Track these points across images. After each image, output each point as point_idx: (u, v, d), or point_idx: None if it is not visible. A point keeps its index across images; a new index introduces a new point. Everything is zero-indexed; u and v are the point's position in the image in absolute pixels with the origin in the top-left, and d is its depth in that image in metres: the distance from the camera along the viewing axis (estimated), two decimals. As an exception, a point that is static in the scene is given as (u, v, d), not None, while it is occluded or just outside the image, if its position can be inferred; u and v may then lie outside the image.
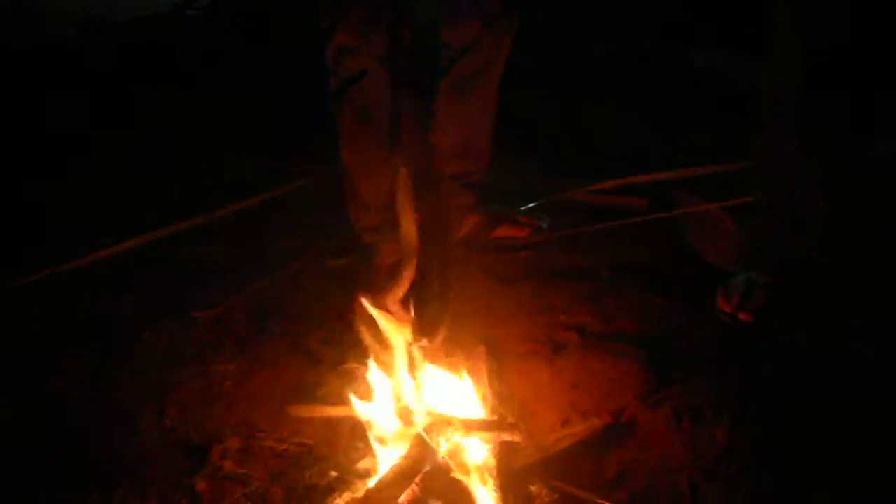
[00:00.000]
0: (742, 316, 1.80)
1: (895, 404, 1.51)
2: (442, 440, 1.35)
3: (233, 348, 1.84)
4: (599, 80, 3.34)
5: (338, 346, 1.78)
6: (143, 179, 2.73)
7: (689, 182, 2.41)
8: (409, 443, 1.37)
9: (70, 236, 2.35)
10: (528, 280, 2.05)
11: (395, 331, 1.41)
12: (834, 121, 1.72)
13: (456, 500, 1.32)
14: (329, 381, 1.67)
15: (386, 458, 1.39)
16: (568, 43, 3.59)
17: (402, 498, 1.32)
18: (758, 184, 1.94)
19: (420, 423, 1.38)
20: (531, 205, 2.36)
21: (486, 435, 1.38)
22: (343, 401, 1.55)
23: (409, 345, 1.44)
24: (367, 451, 1.45)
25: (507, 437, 1.39)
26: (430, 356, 1.46)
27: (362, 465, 1.43)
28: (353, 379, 1.62)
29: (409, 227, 1.45)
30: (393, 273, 1.85)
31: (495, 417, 1.46)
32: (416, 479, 1.34)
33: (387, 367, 1.46)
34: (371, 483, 1.36)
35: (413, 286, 1.45)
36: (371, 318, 1.42)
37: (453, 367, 1.47)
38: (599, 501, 1.36)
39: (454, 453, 1.35)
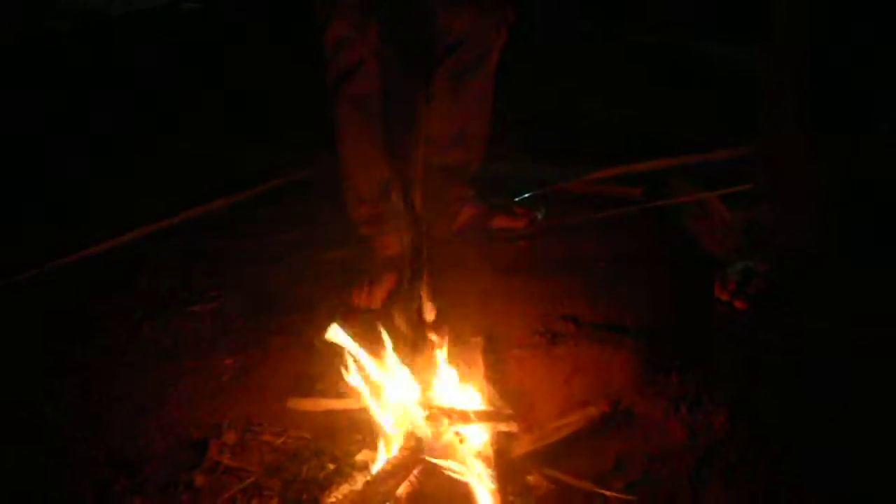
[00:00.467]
0: (739, 304, 1.79)
1: (892, 391, 1.51)
2: (439, 431, 1.36)
3: (231, 342, 1.84)
4: (595, 68, 3.33)
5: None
6: (140, 174, 2.73)
7: (686, 170, 2.40)
8: (407, 434, 1.37)
9: (68, 231, 2.35)
10: (524, 270, 2.05)
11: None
12: (834, 105, 1.71)
13: (453, 491, 1.32)
14: (327, 374, 1.67)
15: (383, 450, 1.39)
16: (563, 31, 3.58)
17: (400, 490, 1.33)
18: (756, 171, 1.94)
19: (418, 414, 1.38)
20: (527, 195, 2.36)
21: (484, 425, 1.38)
22: (341, 394, 1.56)
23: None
24: (365, 443, 1.46)
25: (504, 427, 1.39)
26: (429, 348, 1.47)
27: (360, 457, 1.44)
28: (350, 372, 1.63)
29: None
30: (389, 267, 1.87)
31: (493, 408, 1.46)
32: (414, 471, 1.34)
33: (385, 359, 1.47)
34: (369, 475, 1.36)
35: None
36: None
37: (451, 359, 1.47)
38: (597, 490, 1.36)
39: (452, 444, 1.35)
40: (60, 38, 4.26)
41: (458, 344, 1.53)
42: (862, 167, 1.74)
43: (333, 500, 1.36)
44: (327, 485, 1.39)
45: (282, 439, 1.52)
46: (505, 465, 1.35)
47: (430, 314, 1.48)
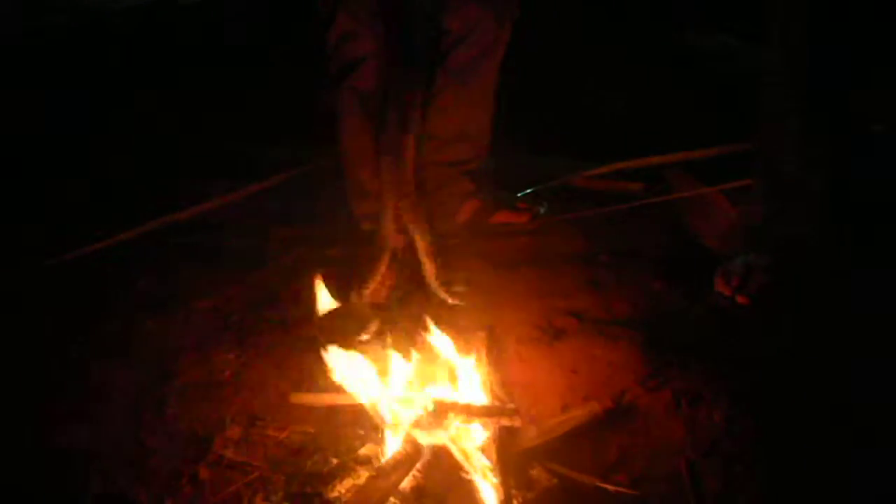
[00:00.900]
0: (740, 299, 1.80)
1: (890, 385, 1.51)
2: (443, 426, 1.36)
3: (233, 338, 1.84)
4: (597, 64, 3.32)
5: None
6: (141, 170, 2.72)
7: (687, 165, 2.41)
8: (410, 429, 1.38)
9: (68, 228, 2.34)
10: (526, 266, 2.06)
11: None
12: (828, 102, 1.71)
13: (456, 485, 1.33)
14: (329, 369, 1.67)
15: (387, 444, 1.39)
16: (565, 28, 3.57)
17: (403, 484, 1.33)
18: (756, 167, 1.94)
19: (421, 409, 1.38)
20: (529, 190, 2.36)
21: (487, 420, 1.39)
22: (343, 389, 1.56)
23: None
24: (368, 438, 1.46)
25: (507, 422, 1.39)
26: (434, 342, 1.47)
27: (363, 452, 1.44)
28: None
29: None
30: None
31: (496, 403, 1.46)
32: (417, 466, 1.35)
33: (390, 354, 1.47)
34: (372, 470, 1.37)
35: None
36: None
37: (454, 353, 1.48)
38: (600, 484, 1.37)
39: (455, 439, 1.36)
40: (59, 33, 4.25)
41: (460, 339, 1.54)
42: (857, 166, 1.75)
43: (337, 494, 1.36)
44: (331, 479, 1.39)
45: (285, 434, 1.52)
46: (508, 460, 1.36)
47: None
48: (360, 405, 1.50)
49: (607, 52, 3.40)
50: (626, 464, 1.42)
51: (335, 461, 1.44)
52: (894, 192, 1.80)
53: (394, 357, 1.45)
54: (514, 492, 1.32)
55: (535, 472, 1.38)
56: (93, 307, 1.99)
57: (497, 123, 2.14)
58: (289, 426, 1.54)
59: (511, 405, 1.47)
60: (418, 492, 1.34)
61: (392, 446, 1.39)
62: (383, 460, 1.37)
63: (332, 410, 1.55)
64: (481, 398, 1.45)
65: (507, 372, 1.63)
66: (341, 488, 1.37)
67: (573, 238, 2.18)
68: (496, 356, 1.63)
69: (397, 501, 1.33)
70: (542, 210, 2.26)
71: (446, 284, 1.61)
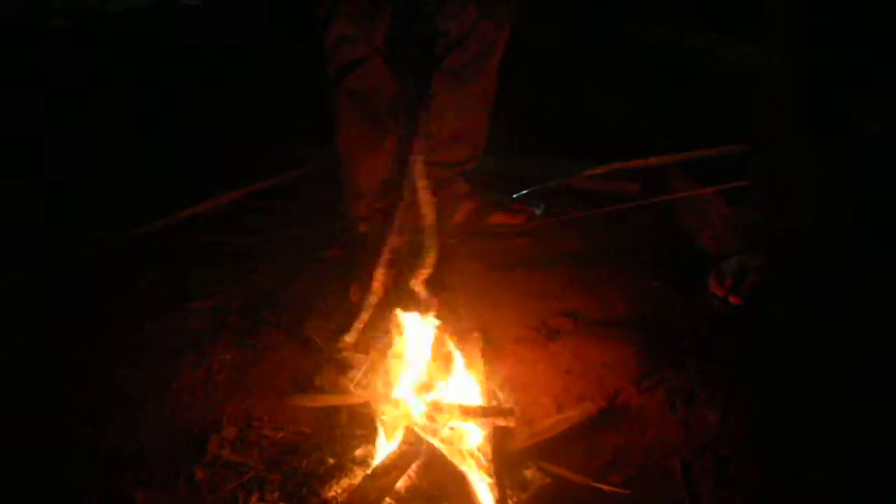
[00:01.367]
0: (734, 299, 1.81)
1: (885, 385, 1.52)
2: (438, 426, 1.37)
3: (230, 338, 1.85)
4: (592, 64, 3.33)
5: (334, 335, 1.79)
6: (141, 171, 2.73)
7: (682, 166, 2.41)
8: (405, 429, 1.39)
9: (70, 230, 2.35)
10: (522, 266, 2.07)
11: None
12: (826, 103, 1.72)
13: (451, 485, 1.34)
14: (326, 369, 1.68)
15: (382, 444, 1.40)
16: (561, 28, 3.58)
17: (399, 484, 1.34)
18: (752, 167, 1.95)
19: (416, 409, 1.39)
20: (525, 191, 2.37)
21: (482, 420, 1.40)
22: (340, 389, 1.57)
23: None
24: (364, 438, 1.47)
25: (502, 422, 1.40)
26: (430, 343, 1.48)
27: (359, 452, 1.45)
28: (349, 368, 1.65)
29: (429, 211, 1.45)
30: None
31: (490, 403, 1.47)
32: (413, 466, 1.36)
33: (384, 355, 1.48)
34: (368, 470, 1.38)
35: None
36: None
37: (449, 354, 1.49)
38: (594, 484, 1.37)
39: (450, 439, 1.37)
40: (56, 35, 4.25)
41: (455, 339, 1.54)
42: (853, 166, 1.76)
43: (333, 493, 1.37)
44: (327, 479, 1.40)
45: (281, 434, 1.53)
46: (503, 459, 1.37)
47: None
48: (357, 406, 1.51)
49: (603, 53, 3.41)
50: (621, 464, 1.43)
51: (331, 461, 1.45)
52: (891, 192, 1.81)
53: (390, 358, 1.46)
54: (508, 491, 1.33)
55: (530, 472, 1.39)
56: (93, 308, 1.99)
57: (494, 124, 2.15)
58: (285, 426, 1.55)
59: (506, 405, 1.48)
60: (414, 492, 1.35)
61: (388, 446, 1.40)
62: (379, 460, 1.38)
63: (328, 411, 1.56)
64: (477, 398, 1.46)
65: (503, 372, 1.64)
66: (337, 488, 1.38)
67: (569, 239, 2.19)
68: (491, 357, 1.64)
69: (393, 501, 1.34)
70: (538, 211, 2.26)
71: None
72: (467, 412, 1.40)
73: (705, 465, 1.40)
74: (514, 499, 1.34)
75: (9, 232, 2.36)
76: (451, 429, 1.39)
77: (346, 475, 1.41)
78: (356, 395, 1.53)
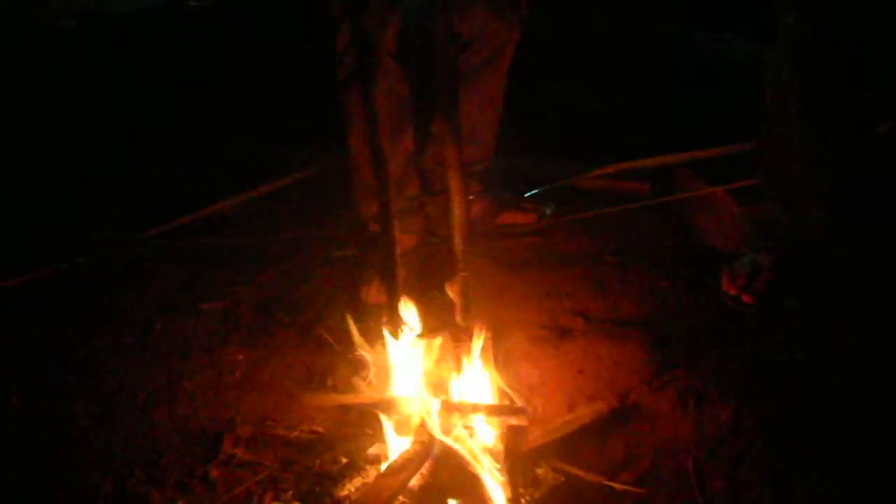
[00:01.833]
0: (746, 298, 1.80)
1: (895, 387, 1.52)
2: (450, 424, 1.37)
3: (242, 338, 1.86)
4: (602, 63, 3.33)
5: (346, 335, 1.79)
6: (149, 174, 2.75)
7: (693, 165, 2.41)
8: (418, 428, 1.39)
9: (82, 231, 2.37)
10: (533, 265, 2.07)
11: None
12: (835, 102, 1.71)
13: (464, 484, 1.34)
14: (338, 368, 1.69)
15: (395, 443, 1.41)
16: (570, 27, 3.58)
17: (412, 483, 1.35)
18: (761, 166, 1.95)
19: (428, 407, 1.40)
20: (535, 191, 2.37)
21: (494, 419, 1.40)
22: (352, 388, 1.57)
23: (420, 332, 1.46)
24: (377, 437, 1.48)
25: (514, 421, 1.40)
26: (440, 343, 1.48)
27: (372, 451, 1.46)
28: (362, 366, 1.65)
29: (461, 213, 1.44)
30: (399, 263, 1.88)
31: (503, 402, 1.47)
32: (425, 464, 1.36)
33: (397, 353, 1.48)
34: (381, 469, 1.38)
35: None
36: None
37: (461, 353, 1.49)
38: (606, 483, 1.38)
39: (462, 437, 1.37)
40: (62, 36, 4.27)
41: (467, 338, 1.55)
42: (862, 164, 1.75)
43: (346, 493, 1.38)
44: (340, 478, 1.41)
45: (295, 433, 1.54)
46: (515, 458, 1.37)
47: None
48: (369, 405, 1.52)
49: (611, 52, 3.41)
50: (633, 462, 1.43)
51: (344, 460, 1.46)
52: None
53: (402, 356, 1.46)
54: (521, 490, 1.33)
55: (542, 471, 1.40)
56: (106, 308, 2.01)
57: (504, 124, 2.16)
58: (298, 426, 1.56)
59: (518, 404, 1.48)
60: (427, 490, 1.35)
61: (401, 445, 1.40)
62: (392, 459, 1.38)
63: (341, 410, 1.57)
64: (489, 397, 1.47)
65: (514, 371, 1.64)
66: (350, 487, 1.39)
67: (579, 238, 2.19)
68: (503, 355, 1.65)
69: (406, 500, 1.34)
70: (548, 210, 2.26)
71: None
72: (479, 411, 1.40)
73: (718, 464, 1.40)
74: (527, 497, 1.35)
75: (15, 234, 2.39)
76: (464, 427, 1.39)
77: (360, 474, 1.42)
78: (369, 395, 1.53)
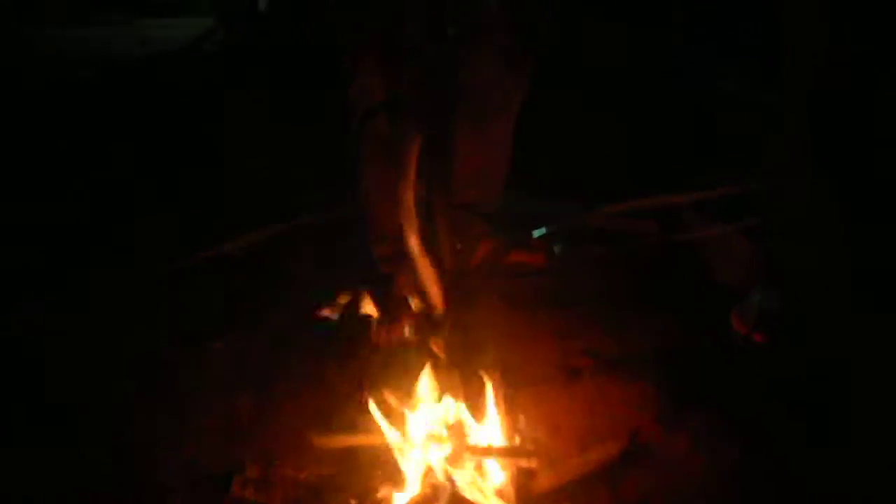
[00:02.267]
0: (757, 337, 1.80)
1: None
2: (460, 466, 1.36)
3: (250, 379, 1.86)
4: (608, 104, 3.37)
5: (354, 376, 1.79)
6: (159, 216, 2.78)
7: (701, 204, 2.42)
8: (428, 470, 1.38)
9: (96, 268, 2.39)
10: (542, 305, 2.07)
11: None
12: (838, 144, 1.73)
13: (475, 527, 1.33)
14: (346, 410, 1.68)
15: (405, 486, 1.40)
16: (576, 67, 3.63)
17: (422, 525, 1.33)
18: (768, 205, 1.96)
19: (439, 449, 1.39)
20: (543, 230, 2.38)
21: (504, 460, 1.39)
22: (361, 430, 1.57)
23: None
24: (386, 479, 1.46)
25: (524, 462, 1.39)
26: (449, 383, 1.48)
27: (381, 494, 1.44)
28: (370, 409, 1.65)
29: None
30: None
31: (513, 443, 1.46)
32: (435, 507, 1.35)
33: (406, 395, 1.48)
34: (390, 511, 1.37)
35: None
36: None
37: (471, 394, 1.48)
38: (618, 526, 1.36)
39: (473, 479, 1.36)
40: (89, 84, 4.38)
41: (476, 379, 1.54)
42: (867, 204, 1.76)
43: (355, 535, 1.36)
44: (349, 520, 1.40)
45: (304, 475, 1.52)
46: (526, 501, 1.35)
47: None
48: (378, 447, 1.51)
49: (617, 92, 3.45)
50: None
51: (353, 502, 1.44)
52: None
53: (413, 398, 1.46)
54: (532, 533, 1.32)
55: (554, 513, 1.38)
56: (114, 346, 2.02)
57: (511, 165, 2.18)
58: (307, 467, 1.54)
59: (528, 446, 1.47)
60: (436, 533, 1.34)
61: (410, 488, 1.39)
62: (402, 502, 1.37)
63: (350, 451, 1.56)
64: (499, 439, 1.46)
65: (524, 412, 1.63)
66: (360, 529, 1.37)
67: (588, 277, 2.20)
68: (513, 396, 1.64)
69: (416, 543, 1.33)
70: (556, 250, 2.27)
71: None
72: (490, 452, 1.39)
73: (731, 505, 1.39)
74: (538, 541, 1.33)
75: (32, 268, 2.41)
76: (474, 469, 1.38)
77: (369, 516, 1.40)
78: (378, 436, 1.52)
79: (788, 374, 1.70)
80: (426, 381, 1.48)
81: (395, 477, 1.44)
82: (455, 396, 1.48)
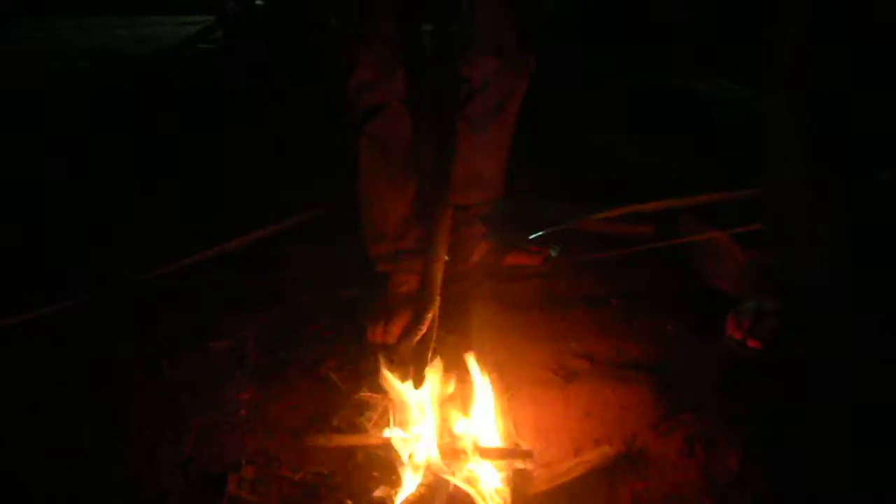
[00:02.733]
0: (752, 343, 1.80)
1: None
2: (456, 468, 1.37)
3: (247, 378, 1.86)
4: (605, 108, 3.38)
5: (352, 375, 1.80)
6: (156, 214, 2.78)
7: (697, 209, 2.43)
8: (424, 471, 1.39)
9: (84, 272, 2.38)
10: (538, 308, 2.07)
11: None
12: (836, 149, 1.74)
13: (471, 528, 1.33)
14: (343, 409, 1.69)
15: (401, 486, 1.40)
16: (574, 73, 3.65)
17: (418, 526, 1.34)
18: (764, 211, 1.97)
19: (435, 450, 1.39)
20: (541, 233, 2.39)
21: (500, 462, 1.40)
22: (358, 430, 1.57)
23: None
24: (382, 479, 1.47)
25: (520, 464, 1.40)
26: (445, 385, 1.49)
27: (377, 493, 1.45)
28: (367, 408, 1.65)
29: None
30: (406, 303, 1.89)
31: (509, 445, 1.47)
32: (431, 508, 1.35)
33: (402, 396, 1.49)
34: (386, 511, 1.37)
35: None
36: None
37: (467, 396, 1.49)
38: (613, 529, 1.36)
39: (468, 481, 1.36)
40: (83, 77, 4.37)
41: (472, 381, 1.55)
42: (864, 211, 1.77)
43: (351, 535, 1.37)
44: (345, 520, 1.40)
45: (300, 474, 1.53)
46: (521, 502, 1.36)
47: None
48: (375, 447, 1.51)
49: (615, 98, 3.47)
50: (640, 508, 1.42)
51: (349, 502, 1.44)
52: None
53: (409, 399, 1.47)
54: (527, 535, 1.33)
55: (549, 516, 1.39)
56: (112, 346, 2.02)
57: (510, 167, 2.18)
58: (303, 467, 1.55)
59: (524, 448, 1.48)
60: (432, 534, 1.34)
61: (406, 488, 1.39)
62: (397, 502, 1.38)
63: (347, 451, 1.56)
64: (495, 440, 1.46)
65: (520, 414, 1.64)
66: (355, 530, 1.38)
67: (585, 280, 2.20)
68: (509, 398, 1.64)
69: (411, 543, 1.33)
70: (553, 252, 2.28)
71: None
72: (486, 454, 1.40)
73: (726, 511, 1.39)
74: (533, 542, 1.34)
75: (31, 270, 2.40)
76: (470, 471, 1.39)
77: (365, 517, 1.41)
78: (374, 436, 1.53)
79: (784, 381, 1.71)
80: (424, 379, 1.49)
81: (391, 477, 1.44)
82: (449, 396, 1.49)
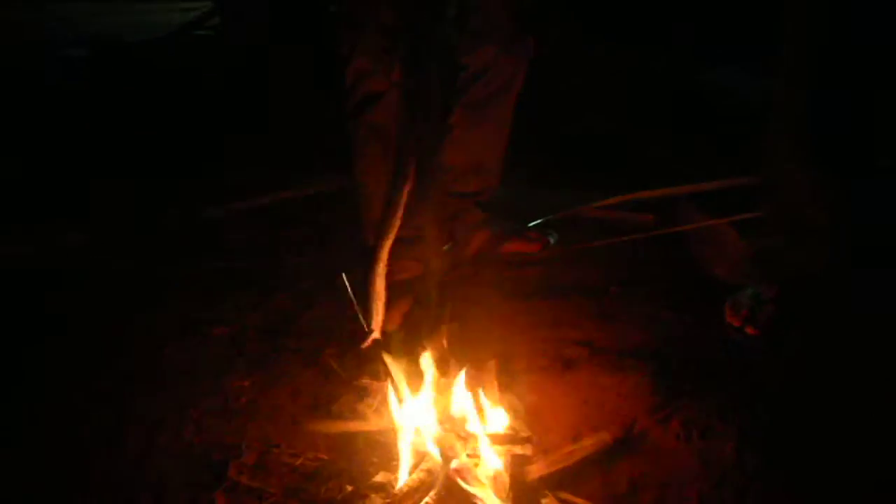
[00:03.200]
0: (749, 330, 1.82)
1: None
2: (456, 453, 1.38)
3: (248, 364, 1.87)
4: (606, 95, 3.37)
5: (352, 362, 1.81)
6: (159, 196, 2.78)
7: (696, 197, 2.44)
8: (424, 456, 1.40)
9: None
10: (537, 295, 2.08)
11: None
12: (836, 135, 1.74)
13: (470, 513, 1.34)
14: (344, 396, 1.70)
15: (400, 471, 1.41)
16: (576, 59, 3.63)
17: (418, 511, 1.35)
18: (763, 199, 1.97)
19: (434, 436, 1.40)
20: (540, 221, 2.39)
21: (499, 448, 1.40)
22: (358, 416, 1.58)
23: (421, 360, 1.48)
24: (382, 465, 1.48)
25: (519, 450, 1.41)
26: (445, 372, 1.49)
27: (377, 479, 1.46)
28: (367, 394, 1.66)
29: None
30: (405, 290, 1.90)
31: (508, 431, 1.48)
32: (431, 493, 1.36)
33: (401, 382, 1.49)
34: (386, 497, 1.38)
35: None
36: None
37: (465, 382, 1.50)
38: (610, 514, 1.38)
39: (467, 466, 1.37)
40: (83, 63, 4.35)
41: (471, 368, 1.56)
42: (863, 199, 1.77)
43: (351, 521, 1.38)
44: (345, 506, 1.41)
45: (300, 460, 1.54)
46: (520, 489, 1.37)
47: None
48: (375, 432, 1.52)
49: (615, 84, 3.46)
50: (637, 494, 1.43)
51: (349, 488, 1.45)
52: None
53: (407, 385, 1.47)
54: (525, 520, 1.34)
55: (546, 501, 1.39)
56: (113, 333, 2.02)
57: (509, 154, 2.18)
58: (303, 453, 1.55)
59: (523, 434, 1.48)
60: (432, 519, 1.35)
61: (406, 473, 1.40)
62: (397, 487, 1.39)
63: (347, 437, 1.57)
64: (494, 427, 1.47)
65: (519, 401, 1.64)
66: (356, 515, 1.39)
67: (583, 268, 2.21)
68: (507, 385, 1.65)
69: (411, 528, 1.34)
70: (552, 240, 2.29)
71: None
72: (485, 440, 1.41)
73: (723, 498, 1.40)
74: (531, 527, 1.35)
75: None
76: (469, 456, 1.40)
77: (365, 502, 1.41)
78: (374, 422, 1.54)
79: (781, 368, 1.72)
80: (422, 366, 1.49)
81: (391, 462, 1.45)
82: (452, 383, 1.49)
